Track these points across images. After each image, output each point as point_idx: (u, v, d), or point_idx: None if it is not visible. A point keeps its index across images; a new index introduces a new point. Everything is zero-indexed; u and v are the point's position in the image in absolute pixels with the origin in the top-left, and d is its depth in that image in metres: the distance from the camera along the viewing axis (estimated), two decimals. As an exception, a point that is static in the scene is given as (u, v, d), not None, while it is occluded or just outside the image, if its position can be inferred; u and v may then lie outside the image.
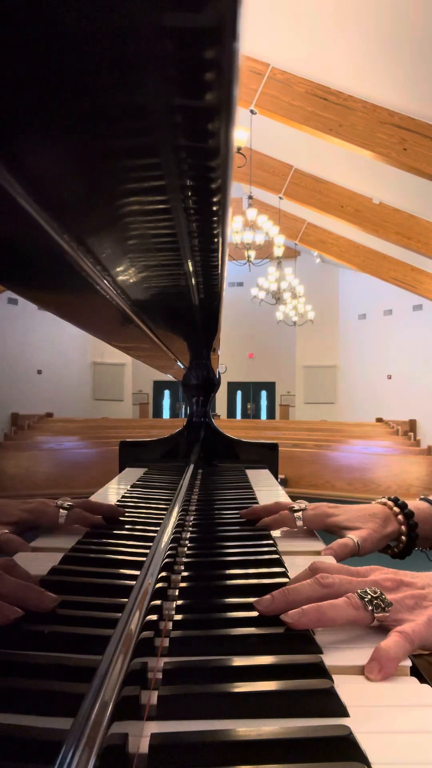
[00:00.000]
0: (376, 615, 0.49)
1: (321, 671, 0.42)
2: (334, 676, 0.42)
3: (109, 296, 0.51)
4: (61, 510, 0.81)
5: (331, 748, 0.34)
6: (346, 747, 0.34)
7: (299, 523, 0.83)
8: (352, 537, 0.76)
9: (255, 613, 0.51)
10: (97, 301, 0.54)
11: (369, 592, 0.49)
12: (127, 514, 0.89)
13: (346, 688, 0.41)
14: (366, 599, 0.49)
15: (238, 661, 0.43)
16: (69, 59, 0.17)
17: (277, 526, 0.85)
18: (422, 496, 0.85)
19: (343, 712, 0.38)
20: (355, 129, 5.14)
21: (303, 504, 0.85)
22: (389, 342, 11.74)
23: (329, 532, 0.83)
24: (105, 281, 0.46)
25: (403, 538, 0.79)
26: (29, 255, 0.39)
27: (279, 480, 1.47)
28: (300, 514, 0.83)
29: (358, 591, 0.50)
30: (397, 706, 0.40)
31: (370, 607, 0.49)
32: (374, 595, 0.49)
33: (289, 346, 13.94)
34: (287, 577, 0.62)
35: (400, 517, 0.80)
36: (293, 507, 0.84)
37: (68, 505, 0.82)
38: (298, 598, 0.50)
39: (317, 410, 13.30)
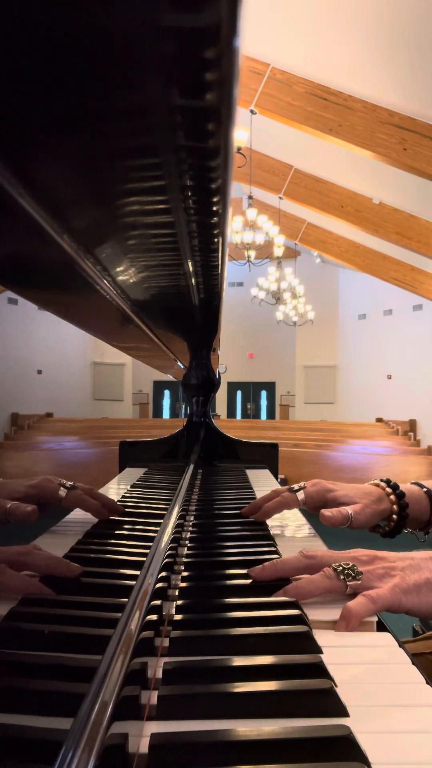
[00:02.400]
0: (348, 583, 0.56)
1: (321, 671, 0.42)
2: (333, 677, 0.42)
3: (109, 296, 0.51)
4: (62, 488, 0.85)
5: (331, 748, 0.34)
6: (346, 747, 0.34)
7: (301, 497, 0.86)
8: (347, 509, 0.81)
9: (255, 614, 0.51)
10: (97, 301, 0.54)
11: (342, 564, 0.57)
12: (127, 514, 0.89)
13: (346, 687, 0.41)
14: (338, 570, 0.56)
15: (238, 661, 0.43)
16: (69, 59, 0.17)
17: (281, 508, 0.87)
18: (413, 481, 0.88)
19: (343, 712, 0.38)
20: (355, 129, 5.13)
21: (301, 483, 0.89)
22: (389, 342, 11.72)
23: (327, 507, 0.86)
24: (105, 281, 0.46)
25: (394, 516, 0.83)
26: (29, 255, 0.39)
27: (279, 480, 1.47)
28: (301, 492, 0.86)
29: (333, 565, 0.57)
30: (397, 706, 0.40)
31: (342, 577, 0.56)
32: (346, 567, 0.57)
33: (289, 346, 13.93)
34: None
35: (392, 497, 0.84)
36: (292, 487, 0.87)
37: (70, 485, 0.86)
38: (285, 567, 0.59)
39: (317, 410, 13.29)
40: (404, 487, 0.86)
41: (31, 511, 0.75)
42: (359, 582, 0.56)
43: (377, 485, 0.86)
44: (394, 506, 0.83)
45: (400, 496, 0.84)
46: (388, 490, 0.84)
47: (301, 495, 0.86)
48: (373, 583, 0.56)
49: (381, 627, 0.54)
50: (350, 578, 0.56)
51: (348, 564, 0.57)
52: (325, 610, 0.55)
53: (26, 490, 0.84)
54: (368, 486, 0.87)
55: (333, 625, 0.53)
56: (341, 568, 0.56)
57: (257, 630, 0.48)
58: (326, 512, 0.80)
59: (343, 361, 13.37)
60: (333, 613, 0.54)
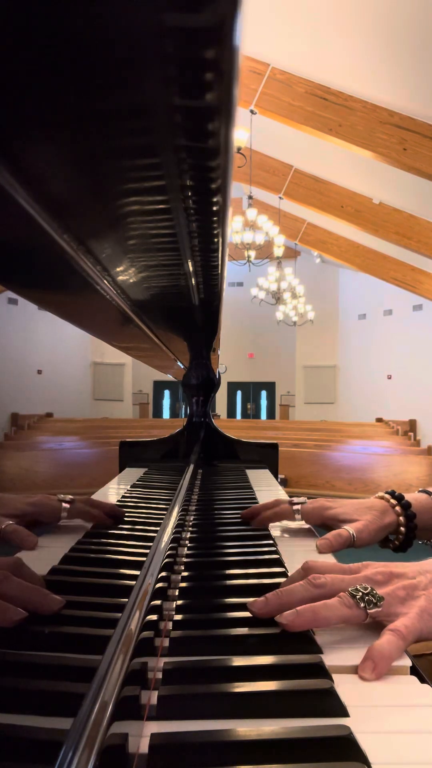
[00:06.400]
0: (369, 611, 0.49)
1: (321, 671, 0.42)
2: (333, 676, 0.42)
3: (109, 296, 0.51)
4: (63, 504, 0.82)
5: (331, 748, 0.34)
6: (346, 747, 0.34)
7: (297, 516, 0.85)
8: (348, 528, 0.77)
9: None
10: (97, 301, 0.54)
11: (360, 589, 0.50)
12: (127, 514, 0.89)
13: (346, 687, 0.41)
14: (357, 597, 0.49)
15: (238, 661, 0.43)
16: (69, 59, 0.17)
17: (276, 519, 0.86)
18: (421, 489, 0.86)
19: (343, 712, 0.38)
20: (355, 129, 5.13)
21: (303, 498, 0.87)
22: (389, 342, 11.72)
23: (326, 526, 0.84)
24: (105, 281, 0.46)
25: (402, 529, 0.80)
26: (29, 255, 0.39)
27: (279, 480, 1.47)
28: (299, 507, 0.85)
29: (350, 589, 0.50)
30: (397, 706, 0.40)
31: (362, 604, 0.49)
32: (365, 592, 0.49)
33: (289, 346, 13.93)
34: (287, 576, 0.62)
35: (397, 508, 0.80)
36: (293, 500, 0.86)
37: (70, 498, 0.83)
38: (291, 600, 0.50)
39: (317, 410, 13.29)
40: (411, 496, 0.83)
41: (32, 541, 0.71)
42: (380, 609, 0.49)
43: (381, 497, 0.83)
44: (401, 518, 0.80)
45: (406, 506, 0.80)
46: (393, 501, 0.81)
47: (297, 512, 0.85)
48: (396, 608, 0.49)
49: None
50: (371, 605, 0.49)
51: (366, 588, 0.50)
52: (339, 642, 0.48)
53: (24, 508, 0.80)
54: (371, 500, 0.83)
55: (354, 670, 0.44)
56: (360, 593, 0.49)
57: (257, 630, 0.48)
58: (321, 542, 0.75)
59: (343, 361, 13.37)
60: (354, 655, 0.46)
